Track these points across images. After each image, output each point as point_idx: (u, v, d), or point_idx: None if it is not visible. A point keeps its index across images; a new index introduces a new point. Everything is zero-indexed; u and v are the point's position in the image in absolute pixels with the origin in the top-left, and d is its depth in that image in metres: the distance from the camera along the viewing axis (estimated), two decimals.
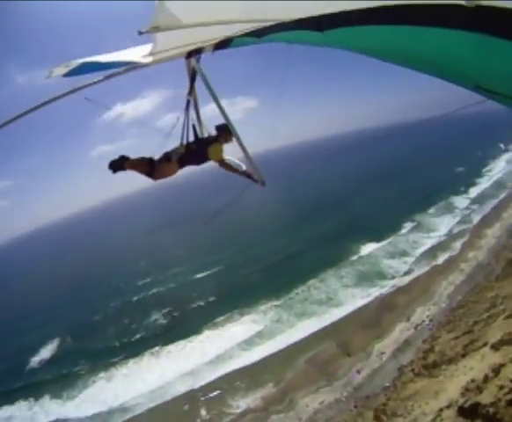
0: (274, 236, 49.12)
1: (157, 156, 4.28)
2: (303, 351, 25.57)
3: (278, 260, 40.63)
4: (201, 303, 34.98)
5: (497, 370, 16.49)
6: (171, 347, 28.54)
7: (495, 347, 18.57)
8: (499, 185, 63.08)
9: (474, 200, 55.75)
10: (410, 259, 39.78)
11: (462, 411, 15.74)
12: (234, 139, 4.22)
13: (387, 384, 22.99)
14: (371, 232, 45.02)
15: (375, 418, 19.69)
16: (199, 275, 42.05)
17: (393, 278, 35.79)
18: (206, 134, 4.61)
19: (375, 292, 33.37)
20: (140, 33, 2.51)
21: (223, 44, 2.95)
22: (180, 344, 28.66)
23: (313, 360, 25.03)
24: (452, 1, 0.99)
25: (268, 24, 1.97)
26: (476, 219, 48.71)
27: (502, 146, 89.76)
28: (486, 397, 15.41)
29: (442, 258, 39.23)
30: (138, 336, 31.87)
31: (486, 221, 47.82)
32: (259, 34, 2.22)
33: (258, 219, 59.94)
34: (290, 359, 24.99)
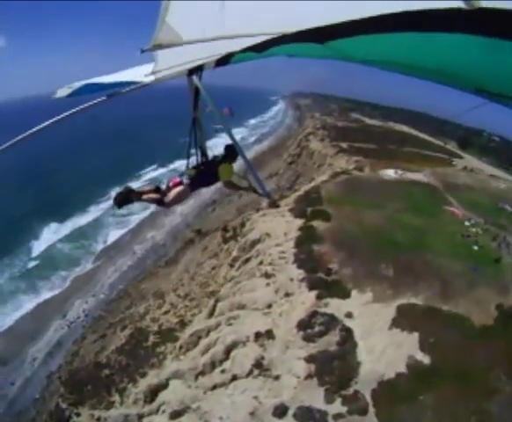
0: None
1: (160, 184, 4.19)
2: None
3: None
4: None
5: None
6: None
7: None
8: None
9: None
10: (89, 243, 37.13)
11: None
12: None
13: (37, 396, 21.56)
14: (60, 210, 40.92)
15: None
16: None
17: (68, 268, 32.97)
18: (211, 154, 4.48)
19: (42, 287, 30.36)
20: (142, 51, 2.42)
21: (224, 60, 2.85)
22: None
23: None
24: (452, 2, 0.98)
25: (269, 37, 1.94)
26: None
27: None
28: None
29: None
30: None
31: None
32: (259, 49, 2.19)
33: None
34: None
